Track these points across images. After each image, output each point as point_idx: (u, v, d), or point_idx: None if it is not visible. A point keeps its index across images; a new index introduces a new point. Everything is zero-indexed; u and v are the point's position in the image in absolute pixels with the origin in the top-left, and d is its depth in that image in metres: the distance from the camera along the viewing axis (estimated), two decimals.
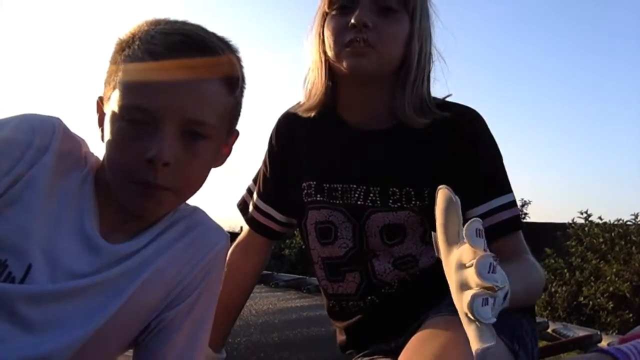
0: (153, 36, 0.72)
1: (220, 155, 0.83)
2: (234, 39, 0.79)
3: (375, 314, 1.03)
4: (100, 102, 0.79)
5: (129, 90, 0.72)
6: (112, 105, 0.73)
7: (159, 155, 0.69)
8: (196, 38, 0.73)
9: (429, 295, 0.91)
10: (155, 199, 0.74)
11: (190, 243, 0.82)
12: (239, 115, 0.83)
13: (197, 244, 0.83)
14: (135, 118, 0.71)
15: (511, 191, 1.00)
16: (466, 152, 0.97)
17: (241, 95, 0.81)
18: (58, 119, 0.75)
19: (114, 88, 0.73)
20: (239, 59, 0.80)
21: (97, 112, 0.80)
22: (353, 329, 1.07)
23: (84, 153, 0.78)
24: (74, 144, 0.77)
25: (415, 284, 1.00)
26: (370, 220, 0.99)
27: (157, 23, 0.76)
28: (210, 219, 0.87)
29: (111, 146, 0.73)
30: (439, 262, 0.97)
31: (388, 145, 1.00)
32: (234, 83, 0.78)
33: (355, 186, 1.01)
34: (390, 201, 0.98)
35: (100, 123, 0.78)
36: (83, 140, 0.79)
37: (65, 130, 0.75)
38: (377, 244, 1.00)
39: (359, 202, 1.00)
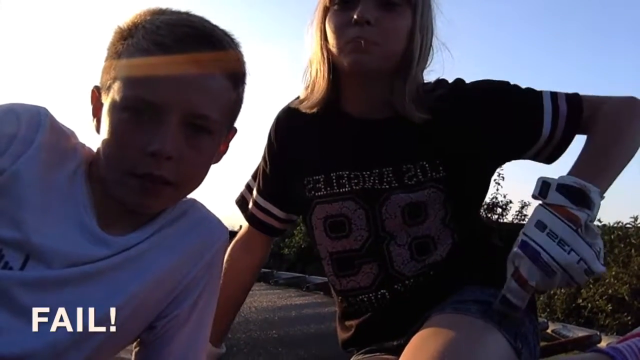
0: (159, 26, 0.70)
1: (218, 152, 0.81)
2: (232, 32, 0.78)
3: (383, 310, 1.01)
4: (97, 91, 0.76)
5: (133, 81, 0.69)
6: (113, 95, 0.70)
7: (162, 149, 0.68)
8: (204, 31, 0.72)
9: (438, 296, 0.92)
10: (155, 195, 0.71)
11: (196, 239, 0.81)
12: (239, 111, 0.82)
13: (202, 241, 0.82)
14: (138, 110, 0.69)
15: (541, 91, 0.98)
16: (480, 104, 0.97)
17: (243, 91, 0.80)
18: (45, 108, 0.72)
19: (115, 78, 0.71)
20: (242, 54, 0.79)
21: (92, 102, 0.76)
22: (360, 325, 1.05)
23: (73, 145, 0.75)
24: (62, 136, 0.74)
25: (428, 284, 0.98)
26: (389, 201, 0.97)
27: (160, 12, 0.74)
28: (211, 213, 0.87)
29: (109, 138, 0.70)
30: (453, 256, 0.97)
31: (393, 129, 1.00)
32: (238, 79, 0.78)
33: (367, 173, 0.99)
34: (406, 178, 0.97)
35: (95, 113, 0.76)
36: (72, 132, 0.76)
37: (53, 121, 0.72)
38: (396, 225, 0.98)
39: (375, 187, 0.99)
